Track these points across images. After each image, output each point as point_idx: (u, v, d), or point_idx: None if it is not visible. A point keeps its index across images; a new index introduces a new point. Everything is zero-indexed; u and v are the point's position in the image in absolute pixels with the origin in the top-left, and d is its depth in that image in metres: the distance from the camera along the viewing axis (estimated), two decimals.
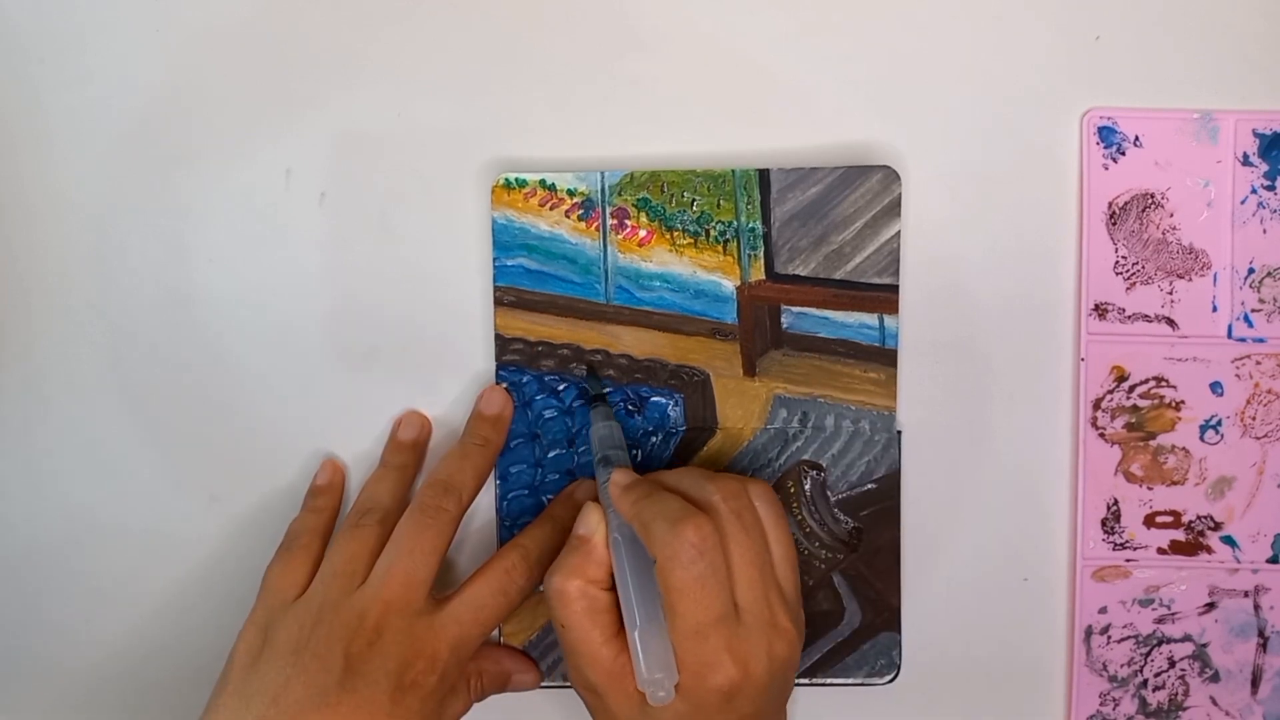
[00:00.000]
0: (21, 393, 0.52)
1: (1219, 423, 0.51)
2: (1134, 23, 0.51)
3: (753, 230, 0.50)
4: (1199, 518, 0.51)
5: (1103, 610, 0.52)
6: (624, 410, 0.51)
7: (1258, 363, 0.51)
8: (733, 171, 0.51)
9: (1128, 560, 0.51)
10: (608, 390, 0.51)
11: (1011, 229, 0.51)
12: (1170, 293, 0.51)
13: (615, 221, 0.51)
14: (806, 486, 0.51)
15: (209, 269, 0.52)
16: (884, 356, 0.51)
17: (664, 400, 0.51)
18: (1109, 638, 0.52)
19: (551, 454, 0.51)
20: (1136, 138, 0.51)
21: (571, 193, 0.51)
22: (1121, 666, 0.52)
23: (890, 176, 0.50)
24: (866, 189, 0.50)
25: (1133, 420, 0.51)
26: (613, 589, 0.45)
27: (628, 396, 0.51)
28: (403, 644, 0.45)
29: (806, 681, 0.51)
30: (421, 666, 0.45)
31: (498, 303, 0.51)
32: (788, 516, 0.50)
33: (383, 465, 0.51)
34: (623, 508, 0.45)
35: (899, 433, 0.51)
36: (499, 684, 0.50)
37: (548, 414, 0.51)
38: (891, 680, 0.51)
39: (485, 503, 0.52)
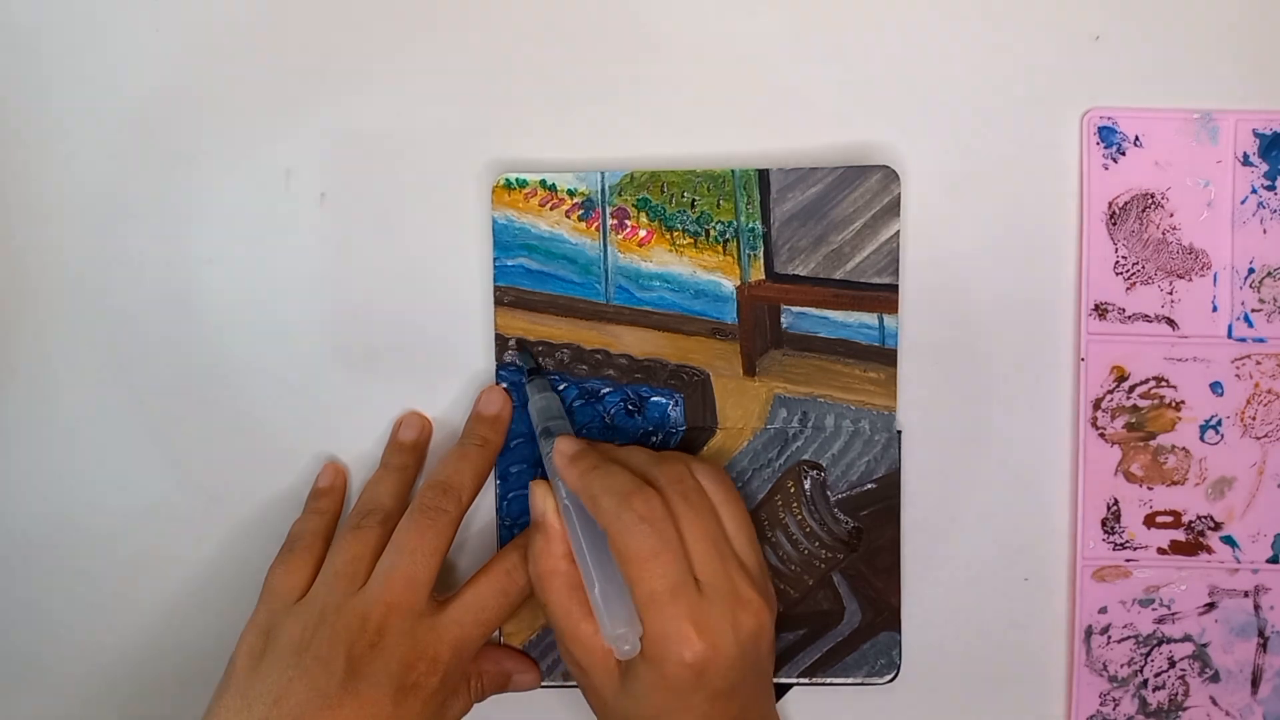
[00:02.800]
0: (22, 393, 0.52)
1: (1219, 423, 0.51)
2: (1134, 23, 0.51)
3: (753, 230, 0.50)
4: (1199, 518, 0.51)
5: (1103, 610, 0.52)
6: (624, 410, 0.51)
7: (1258, 363, 0.51)
8: (733, 171, 0.51)
9: (1128, 560, 0.51)
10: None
11: (1011, 229, 0.51)
12: (1170, 293, 0.51)
13: (615, 221, 0.51)
14: (806, 486, 0.51)
15: (209, 269, 0.52)
16: (884, 356, 0.51)
17: (664, 400, 0.51)
18: (1109, 638, 0.52)
19: None
20: (1136, 138, 0.51)
21: (572, 193, 0.51)
22: (1121, 666, 0.52)
23: (890, 176, 0.50)
24: (866, 189, 0.50)
25: (1133, 420, 0.51)
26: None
27: (628, 396, 0.51)
28: (404, 645, 0.45)
29: (806, 681, 0.51)
30: (423, 668, 0.45)
31: (498, 303, 0.51)
32: (778, 511, 0.51)
33: (383, 466, 0.51)
34: (569, 478, 0.46)
35: (899, 433, 0.51)
36: (499, 684, 0.50)
37: None
38: (891, 680, 0.51)
39: (485, 503, 0.52)
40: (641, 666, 0.44)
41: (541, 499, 0.47)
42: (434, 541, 0.47)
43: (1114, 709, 0.52)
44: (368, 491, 0.50)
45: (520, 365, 0.51)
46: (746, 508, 0.47)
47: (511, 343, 0.51)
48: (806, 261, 0.51)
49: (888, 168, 0.50)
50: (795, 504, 0.51)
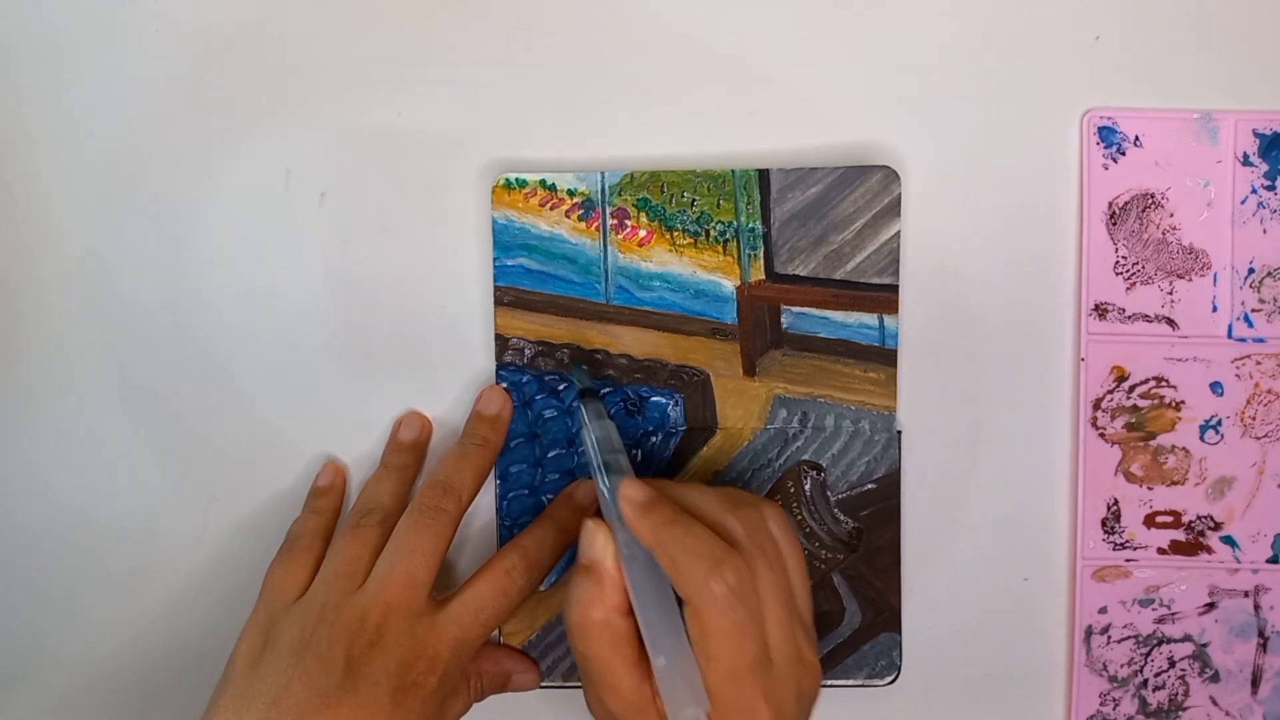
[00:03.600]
0: (22, 393, 0.52)
1: (1219, 423, 0.51)
2: (1134, 23, 0.51)
3: (753, 230, 0.50)
4: (1199, 518, 0.51)
5: (1103, 610, 0.52)
6: (624, 410, 0.51)
7: (1258, 363, 0.51)
8: (733, 171, 0.50)
9: (1128, 560, 0.51)
10: (606, 391, 0.51)
11: (1011, 229, 0.51)
12: (1170, 293, 0.51)
13: (615, 221, 0.51)
14: (806, 486, 0.51)
15: (209, 269, 0.52)
16: (884, 356, 0.51)
17: (664, 400, 0.51)
18: (1109, 638, 0.52)
19: (551, 454, 0.51)
20: (1136, 138, 0.51)
21: (572, 193, 0.51)
22: (1121, 666, 0.52)
23: (890, 176, 0.50)
24: (866, 189, 0.50)
25: (1133, 420, 0.51)
26: (631, 614, 0.43)
27: (628, 396, 0.51)
28: (404, 645, 0.45)
29: None
30: (422, 667, 0.45)
31: (498, 303, 0.51)
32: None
33: (383, 466, 0.51)
34: (642, 532, 0.43)
35: (899, 433, 0.51)
36: (499, 684, 0.50)
37: (548, 414, 0.51)
38: (892, 681, 0.51)
39: (485, 503, 0.52)
40: None
41: (602, 544, 0.43)
42: (433, 541, 0.47)
43: (1114, 709, 0.52)
44: (367, 491, 0.50)
45: (574, 383, 0.50)
46: (803, 553, 0.45)
47: (564, 356, 0.50)
48: (806, 261, 0.51)
49: (888, 168, 0.50)
50: (795, 504, 0.51)
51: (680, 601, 0.42)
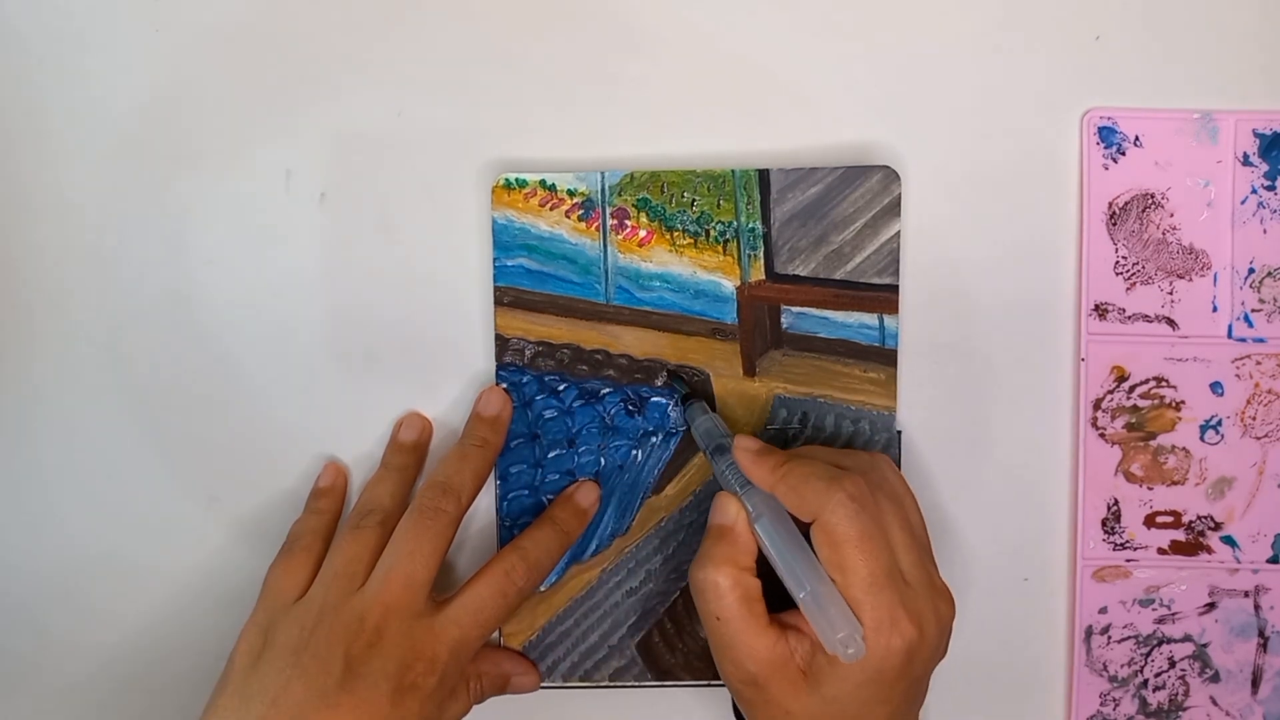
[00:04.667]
0: (22, 394, 0.52)
1: (1219, 423, 0.51)
2: (1134, 23, 0.51)
3: (753, 230, 0.50)
4: (1199, 518, 0.51)
5: (1103, 610, 0.52)
6: (624, 410, 0.51)
7: (1258, 363, 0.51)
8: (733, 172, 0.50)
9: (1128, 560, 0.51)
10: (607, 391, 0.51)
11: (1011, 229, 0.51)
12: (1170, 293, 0.51)
13: (615, 222, 0.51)
14: None
15: (209, 270, 0.52)
16: (884, 356, 0.51)
17: (664, 400, 0.51)
18: (1109, 638, 0.52)
19: (551, 454, 0.51)
20: (1136, 138, 0.51)
21: (572, 193, 0.51)
22: (1122, 666, 0.52)
23: (890, 176, 0.50)
24: (866, 189, 0.50)
25: (1133, 420, 0.51)
26: (760, 576, 0.45)
27: (628, 396, 0.51)
28: (402, 646, 0.45)
29: None
30: (421, 668, 0.45)
31: (498, 303, 0.51)
32: None
33: (383, 467, 0.51)
34: (760, 473, 0.45)
35: (899, 433, 0.51)
36: (499, 686, 0.50)
37: (548, 414, 0.51)
38: None
39: (485, 504, 0.52)
40: (846, 664, 0.43)
41: (735, 509, 0.45)
42: (433, 542, 0.47)
43: (1114, 709, 0.52)
44: (367, 492, 0.50)
45: (676, 391, 0.51)
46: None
47: (662, 377, 0.51)
48: (807, 262, 0.51)
49: (888, 168, 0.50)
50: None
51: (809, 541, 0.44)
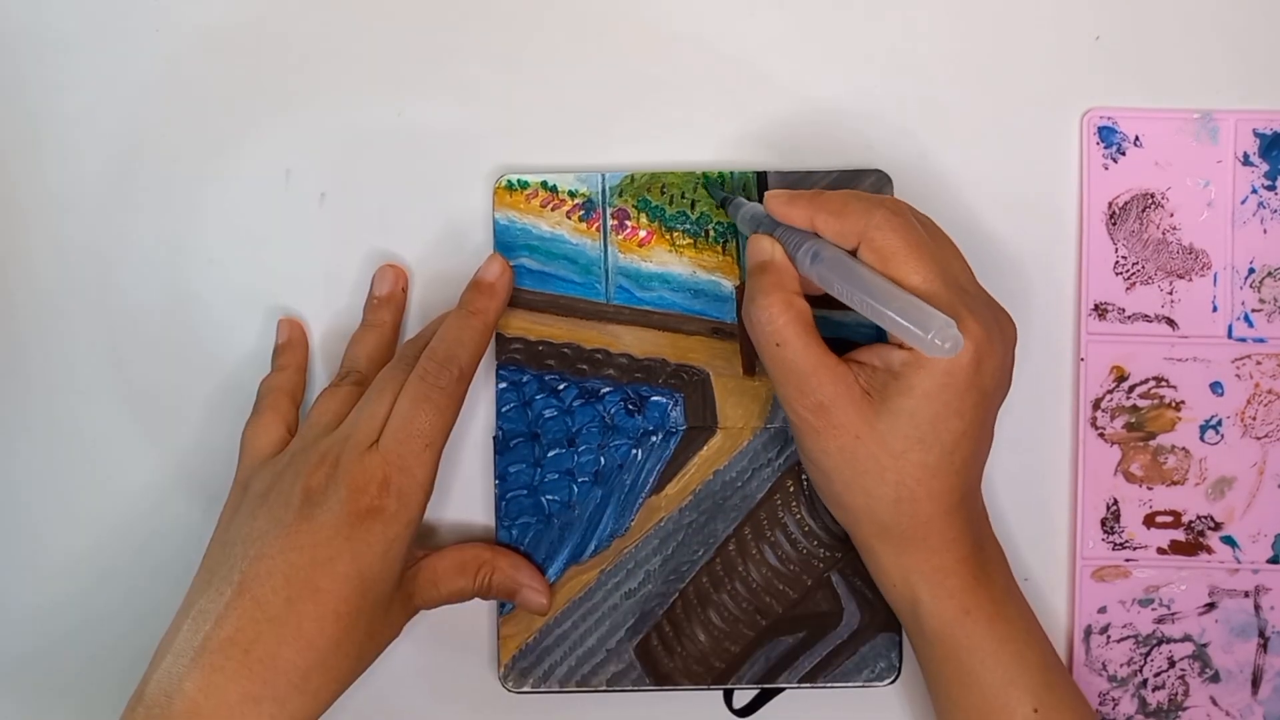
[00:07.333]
0: (23, 392, 0.52)
1: (1219, 423, 0.51)
2: (1134, 23, 0.51)
3: None
4: (1199, 518, 0.51)
5: (1102, 610, 0.52)
6: (624, 410, 0.51)
7: (1258, 363, 0.51)
8: (732, 173, 0.51)
9: (1127, 560, 0.51)
10: (607, 390, 0.51)
11: (1011, 229, 0.51)
12: (1170, 293, 0.51)
13: (616, 222, 0.51)
14: (806, 486, 0.51)
15: (209, 269, 0.52)
16: None
17: (664, 400, 0.51)
18: (1109, 638, 0.52)
19: (551, 454, 0.51)
20: (1136, 138, 0.51)
21: (573, 194, 0.51)
22: (1121, 666, 0.52)
23: (882, 179, 0.50)
24: (862, 191, 0.50)
25: (1133, 420, 0.51)
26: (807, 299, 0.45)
27: (628, 396, 0.51)
28: (351, 472, 0.45)
29: (808, 685, 0.51)
30: (374, 490, 0.45)
31: None
32: (777, 511, 0.51)
33: (362, 324, 0.51)
34: (796, 215, 0.45)
35: None
36: (508, 590, 0.50)
37: (548, 414, 0.51)
38: (893, 682, 0.51)
39: (485, 503, 0.52)
40: (912, 374, 0.43)
41: (769, 244, 0.46)
42: (430, 414, 0.46)
43: (1114, 709, 0.52)
44: (348, 352, 0.51)
45: (722, 193, 0.50)
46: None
47: (699, 180, 0.50)
48: None
49: (880, 171, 0.50)
50: (795, 503, 0.51)
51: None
